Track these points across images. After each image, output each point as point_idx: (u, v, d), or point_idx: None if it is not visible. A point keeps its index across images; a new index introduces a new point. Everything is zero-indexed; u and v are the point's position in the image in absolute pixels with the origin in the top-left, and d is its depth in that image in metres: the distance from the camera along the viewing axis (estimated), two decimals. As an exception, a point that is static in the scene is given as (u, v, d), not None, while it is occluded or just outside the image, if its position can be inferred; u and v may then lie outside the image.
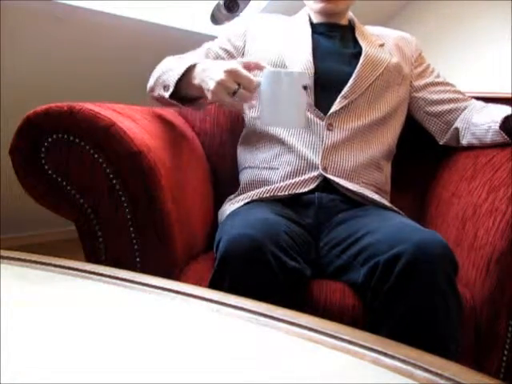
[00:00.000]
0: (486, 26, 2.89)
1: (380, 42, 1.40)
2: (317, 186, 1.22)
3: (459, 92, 1.42)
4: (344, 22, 1.43)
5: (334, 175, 1.23)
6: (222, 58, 1.38)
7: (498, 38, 2.84)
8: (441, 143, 1.42)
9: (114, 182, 1.06)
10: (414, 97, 1.41)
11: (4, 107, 1.65)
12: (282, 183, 1.23)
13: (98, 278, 0.75)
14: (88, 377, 0.50)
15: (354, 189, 1.22)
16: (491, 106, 1.34)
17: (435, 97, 1.39)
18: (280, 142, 1.28)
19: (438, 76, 1.44)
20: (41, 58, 1.80)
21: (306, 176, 1.23)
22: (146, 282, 0.74)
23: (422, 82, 1.41)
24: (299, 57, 1.32)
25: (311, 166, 1.23)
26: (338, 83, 1.30)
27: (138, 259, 1.09)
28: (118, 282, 0.75)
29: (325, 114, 1.26)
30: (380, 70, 1.32)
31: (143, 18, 1.99)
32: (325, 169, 1.23)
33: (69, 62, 1.84)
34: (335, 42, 1.38)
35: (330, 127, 1.25)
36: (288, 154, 1.26)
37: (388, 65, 1.34)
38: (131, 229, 1.08)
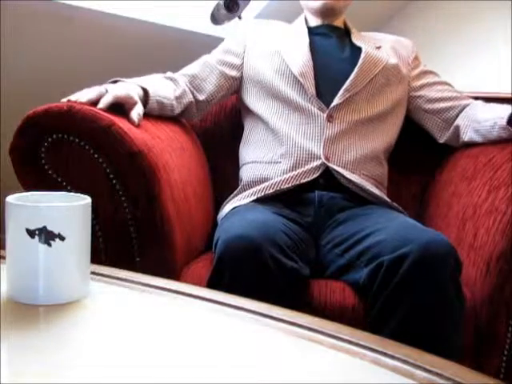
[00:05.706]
0: (486, 26, 2.88)
1: (377, 44, 1.41)
2: (319, 175, 1.22)
3: (456, 91, 1.43)
4: (340, 24, 1.44)
5: (336, 165, 1.24)
6: (221, 71, 1.40)
7: (498, 37, 2.83)
8: (441, 141, 1.42)
9: (114, 181, 1.06)
10: (412, 96, 1.42)
11: (4, 107, 1.65)
12: (284, 176, 1.23)
13: (98, 277, 0.75)
14: (89, 376, 0.50)
15: (356, 180, 1.22)
16: (493, 104, 1.34)
17: (433, 95, 1.40)
18: (280, 136, 1.29)
19: (435, 76, 1.45)
20: (41, 57, 1.81)
21: (309, 166, 1.23)
22: (146, 282, 0.74)
23: (419, 82, 1.42)
24: (297, 54, 1.34)
25: (313, 157, 1.25)
26: (338, 78, 1.32)
27: (137, 259, 1.09)
28: (118, 282, 0.75)
29: (326, 105, 1.28)
30: (380, 67, 1.35)
31: (143, 18, 1.99)
32: (327, 158, 1.24)
33: (69, 62, 1.84)
34: (332, 43, 1.40)
35: (330, 119, 1.27)
36: (289, 147, 1.27)
37: (387, 63, 1.37)
38: (131, 229, 1.08)
